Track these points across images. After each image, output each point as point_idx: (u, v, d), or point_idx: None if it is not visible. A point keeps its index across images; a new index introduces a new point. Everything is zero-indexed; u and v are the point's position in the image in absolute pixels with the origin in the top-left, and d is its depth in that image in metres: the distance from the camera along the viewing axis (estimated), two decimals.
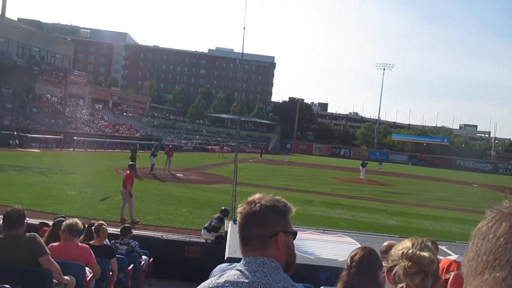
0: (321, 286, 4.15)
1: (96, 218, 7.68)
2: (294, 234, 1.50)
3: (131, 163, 12.19)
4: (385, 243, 3.49)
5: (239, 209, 1.50)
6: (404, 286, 1.61)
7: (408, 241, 1.74)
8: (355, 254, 2.43)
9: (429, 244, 1.73)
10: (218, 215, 9.25)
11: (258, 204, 1.45)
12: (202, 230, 9.09)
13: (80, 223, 5.01)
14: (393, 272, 1.65)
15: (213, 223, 8.98)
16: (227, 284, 1.36)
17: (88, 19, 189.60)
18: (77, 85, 57.19)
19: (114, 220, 10.55)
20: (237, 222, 1.53)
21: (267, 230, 1.43)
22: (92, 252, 4.95)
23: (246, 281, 1.35)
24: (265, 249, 1.42)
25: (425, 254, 1.62)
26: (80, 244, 4.95)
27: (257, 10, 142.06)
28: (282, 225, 1.46)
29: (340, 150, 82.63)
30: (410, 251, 1.72)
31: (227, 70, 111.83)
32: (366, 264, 2.39)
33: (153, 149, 23.03)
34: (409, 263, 1.61)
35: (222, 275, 1.42)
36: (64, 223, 4.96)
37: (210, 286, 1.39)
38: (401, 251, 1.69)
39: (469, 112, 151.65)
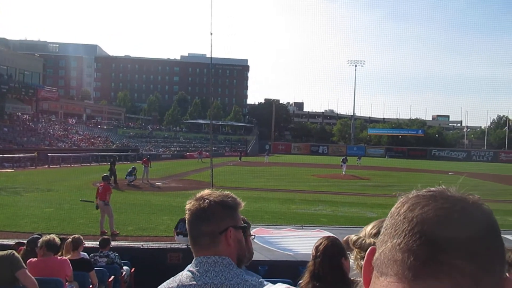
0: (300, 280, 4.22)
1: (75, 233, 7.60)
2: (244, 228, 1.49)
3: (104, 175, 12.08)
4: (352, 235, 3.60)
5: (187, 206, 1.47)
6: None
7: (370, 224, 1.65)
8: (319, 244, 2.47)
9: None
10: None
11: (206, 200, 1.44)
12: (176, 236, 9.01)
13: (57, 238, 4.99)
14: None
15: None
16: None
17: (56, 33, 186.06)
18: (48, 100, 56.11)
19: (93, 233, 10.43)
20: (186, 220, 1.48)
21: (217, 227, 1.42)
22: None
23: (199, 283, 1.34)
24: (216, 246, 1.41)
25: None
26: (59, 257, 4.92)
27: (225, 14, 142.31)
28: (232, 220, 1.44)
29: (318, 147, 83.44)
30: (358, 239, 1.72)
31: (201, 76, 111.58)
32: (330, 253, 2.43)
33: (130, 169, 22.79)
34: (359, 251, 1.61)
35: (175, 277, 1.41)
36: (41, 239, 4.93)
37: None
38: (352, 238, 1.67)
39: (441, 103, 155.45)
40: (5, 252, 4.12)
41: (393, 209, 0.64)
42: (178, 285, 1.36)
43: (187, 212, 1.47)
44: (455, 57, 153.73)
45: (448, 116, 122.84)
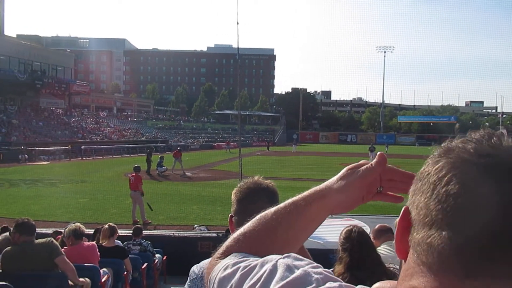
0: (331, 268, 4.23)
1: (109, 222, 7.83)
2: None
3: (136, 165, 12.37)
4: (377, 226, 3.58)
5: (243, 187, 1.49)
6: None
7: None
8: (350, 233, 2.40)
9: None
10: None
11: (265, 182, 1.49)
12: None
13: (82, 226, 5.17)
14: None
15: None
16: None
17: (86, 28, 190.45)
18: (80, 95, 57.61)
19: (126, 223, 10.71)
20: (241, 199, 1.48)
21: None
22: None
23: None
24: None
25: None
26: (86, 243, 5.09)
27: (252, 4, 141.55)
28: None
29: (346, 136, 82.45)
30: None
31: (228, 66, 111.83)
32: (365, 240, 2.40)
33: (158, 160, 23.00)
34: None
35: None
36: (67, 229, 5.10)
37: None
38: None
39: (474, 89, 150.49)
40: (44, 239, 4.30)
41: (433, 174, 0.54)
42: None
43: (241, 193, 1.48)
44: (489, 40, 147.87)
45: (482, 102, 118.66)
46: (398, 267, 2.96)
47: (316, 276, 0.60)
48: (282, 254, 0.68)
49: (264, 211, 0.85)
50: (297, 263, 0.64)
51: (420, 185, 0.56)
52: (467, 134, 0.57)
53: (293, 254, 0.68)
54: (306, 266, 0.63)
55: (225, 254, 0.78)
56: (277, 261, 0.65)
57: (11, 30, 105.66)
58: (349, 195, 0.79)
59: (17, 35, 66.74)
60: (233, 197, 1.51)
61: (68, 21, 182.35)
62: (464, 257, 0.48)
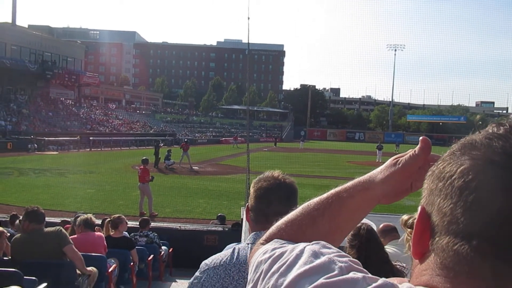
0: None
1: (116, 213, 7.89)
2: None
3: (144, 158, 12.42)
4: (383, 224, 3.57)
5: (263, 184, 1.48)
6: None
7: None
8: (359, 230, 2.38)
9: None
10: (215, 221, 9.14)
11: (286, 180, 1.48)
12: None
13: (93, 218, 5.27)
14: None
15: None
16: (236, 261, 1.40)
17: (97, 20, 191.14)
18: (90, 86, 57.93)
19: (133, 214, 10.79)
20: (258, 197, 1.49)
21: (290, 207, 1.45)
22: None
23: None
24: None
25: None
26: (95, 233, 5.16)
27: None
28: (297, 202, 1.49)
29: (354, 134, 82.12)
30: (410, 218, 1.73)
31: (237, 61, 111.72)
32: (374, 237, 2.39)
33: (166, 153, 23.01)
34: (410, 231, 1.60)
35: (230, 249, 1.46)
36: (79, 218, 5.18)
37: (223, 259, 1.43)
38: (404, 218, 1.64)
39: (485, 89, 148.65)
40: (53, 228, 4.36)
41: (457, 178, 0.51)
42: (236, 256, 1.42)
43: (261, 190, 1.48)
44: (502, 39, 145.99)
45: (493, 103, 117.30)
46: (404, 264, 2.95)
47: (340, 264, 0.59)
48: None
49: (292, 208, 0.87)
50: (324, 250, 0.64)
51: (442, 187, 0.53)
52: (488, 128, 0.53)
53: (323, 242, 0.67)
54: (332, 254, 0.62)
55: (267, 240, 0.80)
56: (305, 247, 0.65)
57: (23, 20, 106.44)
58: (394, 186, 0.77)
59: (29, 26, 67.30)
60: (251, 190, 1.52)
61: (79, 12, 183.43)
62: (496, 267, 0.47)
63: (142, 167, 11.92)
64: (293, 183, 1.50)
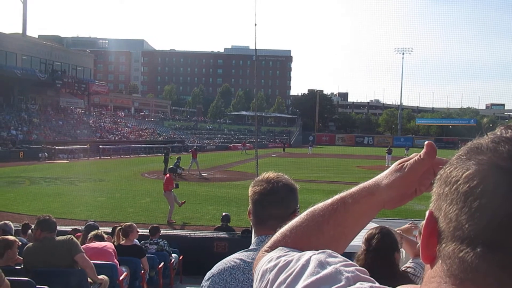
0: None
1: (126, 221, 7.93)
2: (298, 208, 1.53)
3: (170, 167, 12.55)
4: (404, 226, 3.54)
5: (256, 188, 1.49)
6: None
7: None
8: (372, 237, 2.34)
9: None
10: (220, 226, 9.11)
11: (278, 183, 1.47)
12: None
13: (101, 232, 5.58)
14: None
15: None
16: (242, 263, 1.42)
17: (105, 29, 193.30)
18: (99, 94, 58.45)
19: (143, 222, 10.82)
20: (253, 201, 1.50)
21: (287, 210, 1.45)
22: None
23: None
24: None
25: None
26: (105, 242, 5.23)
27: (270, 5, 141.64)
28: (296, 202, 1.50)
29: (363, 138, 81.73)
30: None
31: (244, 68, 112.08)
32: (384, 247, 2.31)
33: (176, 161, 23.02)
34: None
35: (236, 255, 1.46)
36: (90, 233, 5.29)
37: (227, 265, 1.44)
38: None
39: (495, 91, 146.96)
40: (64, 237, 4.40)
41: (462, 183, 0.50)
42: (240, 260, 1.43)
43: (255, 194, 1.49)
44: (510, 41, 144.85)
45: (503, 105, 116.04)
46: (411, 265, 2.92)
47: (347, 274, 0.58)
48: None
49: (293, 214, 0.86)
50: (330, 259, 0.62)
51: (448, 192, 0.52)
52: (496, 130, 0.52)
53: (329, 251, 0.66)
54: (338, 263, 0.61)
55: (272, 248, 0.79)
56: (311, 256, 0.64)
57: (33, 30, 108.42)
58: (399, 190, 0.77)
59: (39, 36, 68.18)
60: (249, 193, 1.53)
61: (88, 22, 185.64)
62: (501, 275, 0.46)
63: (168, 175, 12.07)
64: (287, 184, 1.49)
